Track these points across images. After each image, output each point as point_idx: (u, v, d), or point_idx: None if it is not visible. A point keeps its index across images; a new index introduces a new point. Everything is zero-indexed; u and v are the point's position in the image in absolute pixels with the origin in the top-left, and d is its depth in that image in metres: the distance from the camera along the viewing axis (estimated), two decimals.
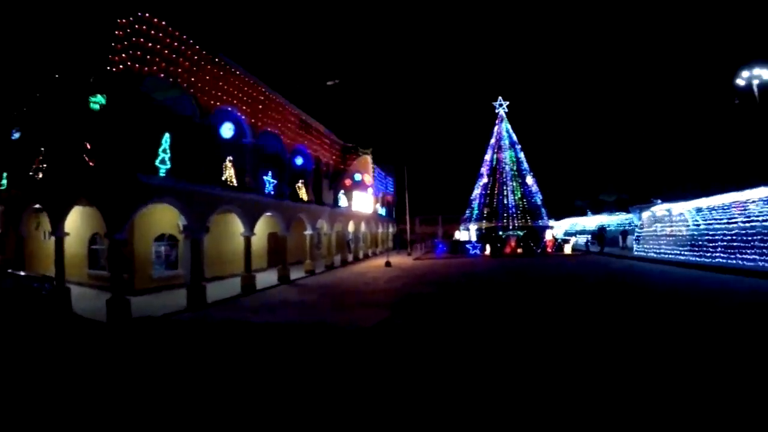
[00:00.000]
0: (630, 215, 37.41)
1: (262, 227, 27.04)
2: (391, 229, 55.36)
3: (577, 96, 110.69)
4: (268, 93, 21.96)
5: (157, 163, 15.01)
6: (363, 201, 39.19)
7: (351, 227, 38.24)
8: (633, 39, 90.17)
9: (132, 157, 13.81)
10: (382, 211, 50.37)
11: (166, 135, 15.29)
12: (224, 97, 18.30)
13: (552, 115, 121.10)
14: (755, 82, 24.08)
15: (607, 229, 42.51)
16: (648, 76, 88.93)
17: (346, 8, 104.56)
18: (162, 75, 15.13)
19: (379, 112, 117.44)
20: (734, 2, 64.24)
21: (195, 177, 16.28)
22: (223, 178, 18.38)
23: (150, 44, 14.73)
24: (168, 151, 15.28)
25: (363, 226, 42.50)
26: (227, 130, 18.72)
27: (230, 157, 18.89)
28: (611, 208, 47.15)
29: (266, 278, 22.74)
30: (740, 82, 24.73)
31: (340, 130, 35.07)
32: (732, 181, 29.00)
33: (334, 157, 32.95)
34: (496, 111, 43.87)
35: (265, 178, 22.05)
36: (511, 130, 42.89)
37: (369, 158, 39.15)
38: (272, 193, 22.43)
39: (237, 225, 21.81)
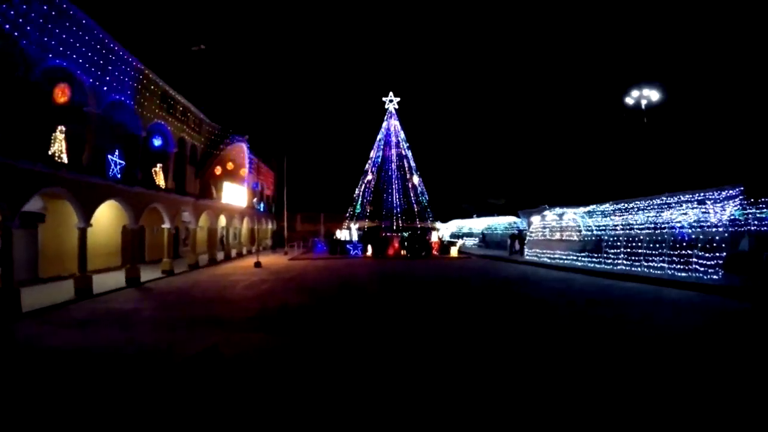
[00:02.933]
0: (517, 219, 38.99)
1: (115, 219, 23.69)
2: (270, 226, 52.79)
3: (469, 99, 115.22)
4: (121, 53, 18.89)
5: None
6: (237, 193, 36.47)
7: (222, 222, 35.44)
8: (530, 46, 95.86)
9: None
10: (260, 207, 47.76)
11: None
12: (59, 50, 15.14)
13: (442, 116, 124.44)
14: (644, 102, 26.02)
15: (494, 232, 44.15)
16: (542, 87, 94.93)
17: None
18: None
19: (260, 97, 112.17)
20: (630, 21, 70.84)
21: (8, 148, 13.06)
22: (50, 153, 15.20)
23: None
24: None
25: (237, 222, 39.74)
26: (61, 93, 15.56)
27: (62, 127, 15.72)
28: (500, 212, 49.10)
29: (114, 279, 19.73)
30: (629, 100, 26.61)
31: (212, 112, 32.22)
32: (618, 192, 31.26)
33: (202, 142, 30.00)
34: (386, 107, 43.54)
35: (110, 157, 18.97)
36: (399, 127, 42.85)
37: (244, 146, 36.51)
38: (118, 176, 19.36)
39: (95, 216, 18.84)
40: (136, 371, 7.62)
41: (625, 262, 21.42)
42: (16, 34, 13.30)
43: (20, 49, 13.41)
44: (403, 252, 34.68)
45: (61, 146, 15.56)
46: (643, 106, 26.08)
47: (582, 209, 25.68)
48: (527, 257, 29.96)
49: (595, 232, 24.54)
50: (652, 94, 25.92)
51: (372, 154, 42.44)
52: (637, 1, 67.04)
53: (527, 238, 31.15)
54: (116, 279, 19.75)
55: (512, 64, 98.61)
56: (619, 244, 22.20)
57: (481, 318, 11.84)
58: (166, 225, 24.38)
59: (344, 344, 9.16)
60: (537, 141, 77.93)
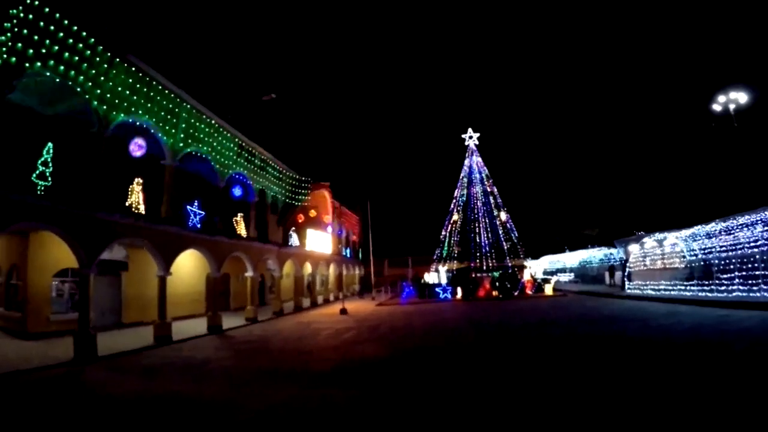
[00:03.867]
0: (613, 250, 35.99)
1: (201, 267, 24.67)
2: (357, 271, 53.04)
3: (551, 129, 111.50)
4: (196, 109, 20.02)
5: (33, 178, 12.77)
6: (320, 240, 37.00)
7: (308, 269, 35.93)
8: (608, 69, 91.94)
9: None
10: (346, 253, 48.22)
11: (49, 145, 13.11)
12: (133, 108, 16.23)
13: (525, 148, 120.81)
14: (732, 106, 23.47)
15: (589, 266, 40.93)
16: (624, 107, 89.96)
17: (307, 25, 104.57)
18: (49, 71, 13.04)
19: (341, 144, 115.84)
20: (706, 29, 65.88)
21: (86, 199, 13.92)
22: (128, 204, 16.06)
23: (37, 34, 12.70)
24: (50, 164, 13.07)
25: (323, 268, 40.17)
26: (137, 147, 16.56)
27: (139, 180, 16.65)
28: (593, 243, 45.72)
29: (197, 326, 20.23)
30: (716, 107, 24.14)
31: (293, 161, 33.30)
32: (721, 208, 27.79)
33: (283, 190, 30.83)
34: (466, 144, 42.72)
35: (189, 208, 19.82)
36: (482, 164, 41.68)
37: (326, 192, 37.26)
38: (198, 226, 20.12)
39: (177, 263, 19.69)
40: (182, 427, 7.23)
41: (740, 287, 18.45)
42: (87, 94, 14.36)
43: (93, 108, 14.42)
44: (494, 293, 32.84)
45: (138, 198, 16.44)
46: (731, 111, 23.34)
47: (684, 232, 22.83)
48: (628, 290, 27.02)
49: (700, 257, 21.60)
50: (740, 97, 23.15)
51: (456, 193, 41.47)
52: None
53: (627, 269, 28.28)
54: (199, 326, 20.19)
55: (593, 90, 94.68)
56: (732, 267, 19.24)
57: (593, 375, 9.02)
58: (249, 273, 24.90)
59: (425, 408, 7.60)
60: (627, 164, 72.74)
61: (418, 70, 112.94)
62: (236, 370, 12.08)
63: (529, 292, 33.03)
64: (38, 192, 12.74)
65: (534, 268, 39.45)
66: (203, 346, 16.28)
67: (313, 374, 10.81)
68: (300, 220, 33.39)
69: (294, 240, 32.14)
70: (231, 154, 23.11)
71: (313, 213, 35.47)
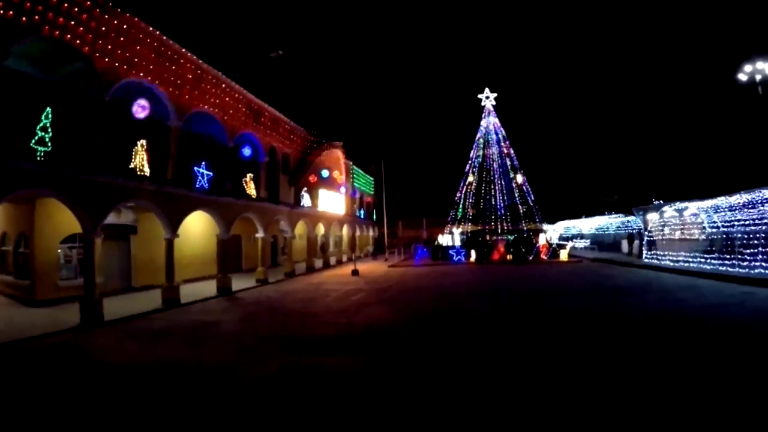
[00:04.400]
0: (631, 217, 35.18)
1: (213, 229, 24.61)
2: (371, 233, 52.97)
3: (571, 90, 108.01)
4: (201, 66, 19.48)
5: (33, 144, 12.53)
6: (333, 201, 36.75)
7: (321, 230, 35.83)
8: (632, 32, 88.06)
9: None
10: (360, 213, 48.01)
11: (47, 110, 12.79)
12: (137, 68, 15.81)
13: (545, 109, 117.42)
14: (758, 77, 22.39)
15: (605, 233, 40.19)
16: (647, 71, 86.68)
17: None
18: (45, 29, 12.60)
19: (354, 102, 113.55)
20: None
21: (87, 163, 13.68)
22: (131, 166, 15.81)
23: None
24: (49, 129, 12.79)
25: (336, 229, 40.06)
26: (140, 109, 16.18)
27: (143, 142, 16.33)
28: (611, 210, 44.76)
29: (208, 288, 20.37)
30: (742, 77, 23.02)
31: (305, 120, 32.67)
32: (746, 179, 26.76)
33: (295, 150, 30.40)
34: (483, 104, 41.47)
35: (196, 168, 19.55)
36: (498, 125, 40.53)
37: (340, 152, 36.68)
38: (206, 187, 19.89)
39: (187, 225, 20.09)
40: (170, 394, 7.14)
41: (764, 264, 17.72)
42: (88, 53, 13.91)
43: (93, 69, 14.00)
44: (508, 257, 32.44)
45: (143, 160, 16.17)
46: (757, 80, 22.26)
47: (707, 202, 21.96)
48: (645, 260, 26.41)
49: (722, 229, 20.79)
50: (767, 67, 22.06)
51: (472, 154, 40.54)
52: None
53: (645, 238, 27.53)
54: (210, 288, 20.27)
55: (616, 51, 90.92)
56: (756, 242, 18.44)
57: (611, 351, 8.74)
58: (260, 234, 24.80)
59: (430, 378, 7.45)
60: (649, 130, 70.50)
61: (434, 24, 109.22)
62: (238, 334, 12.12)
63: (543, 257, 32.59)
64: (38, 158, 12.47)
65: (550, 232, 38.90)
66: (211, 309, 16.34)
67: (315, 340, 10.74)
68: (312, 181, 32.99)
69: (306, 200, 31.86)
70: (239, 113, 22.63)
71: (325, 173, 35.00)
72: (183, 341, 11.36)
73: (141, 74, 16.00)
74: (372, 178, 52.53)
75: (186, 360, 9.37)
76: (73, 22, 13.42)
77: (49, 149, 12.80)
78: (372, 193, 53.70)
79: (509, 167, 38.70)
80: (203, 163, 19.98)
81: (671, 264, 23.33)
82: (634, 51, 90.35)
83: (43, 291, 16.32)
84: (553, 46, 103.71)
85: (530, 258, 32.11)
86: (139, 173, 15.99)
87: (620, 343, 9.18)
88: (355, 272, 27.14)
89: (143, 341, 11.48)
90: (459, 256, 34.12)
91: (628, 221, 35.51)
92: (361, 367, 8.28)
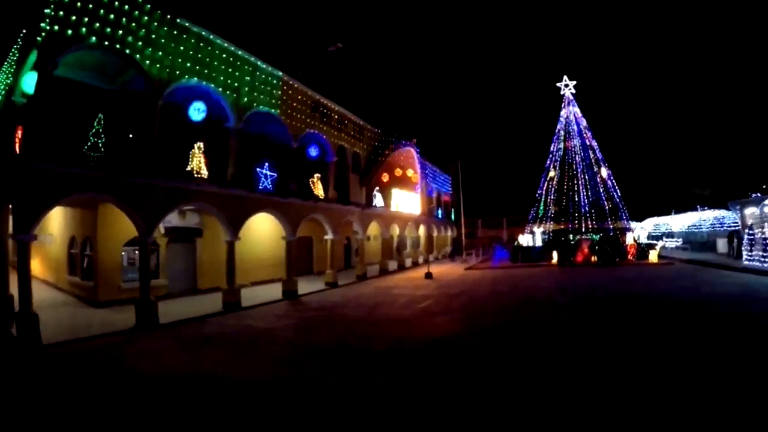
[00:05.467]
0: (726, 213, 31.28)
1: (281, 231, 24.63)
2: (449, 233, 51.44)
3: (656, 73, 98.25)
4: (258, 66, 19.28)
5: (86, 149, 12.74)
6: (407, 200, 35.81)
7: (396, 231, 35.05)
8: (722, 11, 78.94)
9: (35, 142, 11.45)
10: (437, 213, 46.80)
11: (99, 116, 12.94)
12: (189, 71, 15.80)
13: (628, 95, 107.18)
14: None
15: (698, 230, 36.20)
16: (738, 48, 77.19)
17: None
18: (95, 39, 12.80)
19: (429, 99, 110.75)
20: None
21: (141, 167, 13.75)
22: (188, 169, 15.81)
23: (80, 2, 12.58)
24: (102, 135, 12.95)
25: (412, 230, 39.19)
26: (197, 112, 16.17)
27: (200, 144, 16.31)
28: (704, 204, 40.17)
29: (274, 291, 20.19)
30: None
31: (376, 118, 32.02)
32: None
33: (365, 149, 29.81)
34: (562, 92, 38.67)
35: (259, 170, 19.44)
36: (579, 114, 37.54)
37: (413, 150, 35.63)
38: (270, 188, 19.71)
39: (256, 227, 20.92)
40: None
41: None
42: (139, 60, 13.98)
43: (147, 73, 14.06)
44: (593, 258, 29.88)
45: (200, 162, 16.16)
46: None
47: None
48: (746, 262, 22.95)
49: None
50: None
51: (552, 147, 37.85)
52: None
53: (744, 236, 23.92)
54: (276, 291, 20.04)
55: (701, 30, 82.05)
56: None
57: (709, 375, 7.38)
58: (329, 236, 24.42)
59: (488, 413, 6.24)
60: (746, 114, 62.60)
61: (509, 12, 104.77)
62: (288, 345, 11.44)
63: (631, 258, 29.71)
64: (90, 162, 12.62)
65: (637, 231, 35.58)
66: (270, 314, 15.99)
67: (367, 354, 9.81)
68: (384, 180, 32.33)
69: (378, 200, 31.22)
70: (303, 112, 22.32)
71: (398, 172, 34.23)
72: (228, 349, 10.99)
73: (195, 77, 15.98)
74: (450, 177, 51.05)
75: (222, 371, 8.88)
76: (121, 31, 13.60)
77: (102, 154, 12.92)
78: (450, 192, 52.25)
79: (592, 160, 35.70)
80: (266, 164, 19.84)
81: None
82: (722, 28, 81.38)
83: (105, 292, 16.78)
84: (631, 28, 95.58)
85: (617, 260, 29.40)
86: (196, 175, 15.96)
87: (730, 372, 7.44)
88: (428, 275, 26.03)
89: (188, 347, 11.28)
90: (539, 258, 32.04)
91: (722, 217, 31.72)
92: (401, 391, 7.23)
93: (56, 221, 21.28)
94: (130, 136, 14.31)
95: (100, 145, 12.83)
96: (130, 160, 13.70)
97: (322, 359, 9.54)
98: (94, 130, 12.80)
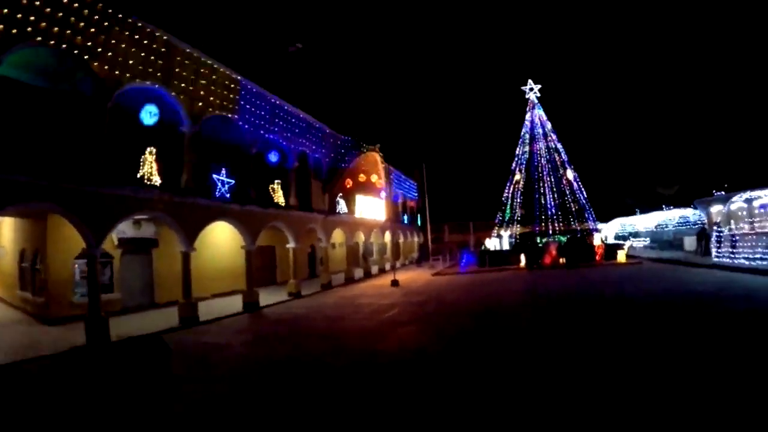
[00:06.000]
0: (692, 211, 32.15)
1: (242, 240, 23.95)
2: (416, 239, 51.38)
3: (617, 72, 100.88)
4: (216, 69, 18.63)
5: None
6: (372, 206, 35.52)
7: (361, 238, 34.60)
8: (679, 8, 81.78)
9: None
10: (403, 219, 46.63)
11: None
12: (142, 73, 15.06)
13: (590, 96, 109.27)
14: None
15: (665, 230, 37.16)
16: (702, 44, 79.70)
17: None
18: (41, 38, 12.04)
19: (393, 107, 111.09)
20: None
21: (86, 174, 12.96)
22: (139, 176, 15.05)
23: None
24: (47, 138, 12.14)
25: (378, 236, 38.83)
26: (149, 115, 15.45)
27: (152, 149, 15.57)
28: (669, 204, 41.20)
29: (234, 303, 19.53)
30: None
31: (339, 124, 31.63)
32: None
33: (327, 155, 29.32)
34: (527, 96, 39.07)
35: (216, 176, 18.75)
36: (544, 118, 37.95)
37: (377, 155, 35.36)
38: (227, 196, 19.04)
39: (216, 236, 20.82)
40: None
41: None
42: (86, 60, 13.23)
43: (93, 75, 13.31)
44: (561, 260, 30.13)
45: (152, 168, 15.44)
46: None
47: None
48: (715, 259, 23.54)
49: None
50: None
51: (518, 151, 38.11)
52: None
53: (713, 234, 24.54)
54: (238, 303, 19.33)
55: (659, 26, 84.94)
56: None
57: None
58: (291, 244, 23.87)
59: None
60: (710, 110, 64.69)
61: (475, 14, 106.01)
62: (243, 363, 10.75)
63: (599, 259, 30.09)
64: (31, 168, 11.80)
65: (604, 232, 36.24)
66: (228, 328, 15.35)
67: (325, 371, 9.14)
68: (348, 186, 31.89)
69: (342, 207, 30.76)
70: (262, 116, 21.69)
71: (362, 177, 33.85)
72: (180, 368, 10.30)
73: (147, 79, 15.26)
74: (415, 183, 50.97)
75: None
76: (69, 30, 12.80)
77: (46, 159, 12.11)
78: (416, 197, 52.16)
79: (558, 163, 36.16)
80: (223, 170, 19.18)
81: (747, 263, 20.53)
82: (680, 25, 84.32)
83: (57, 309, 15.93)
84: (592, 29, 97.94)
85: (585, 261, 29.69)
86: (147, 182, 15.20)
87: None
88: (394, 283, 25.63)
89: None
90: (507, 261, 32.12)
91: (688, 216, 32.61)
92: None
93: (7, 233, 20.24)
94: (78, 140, 13.45)
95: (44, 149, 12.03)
96: (77, 166, 12.89)
97: (274, 379, 8.93)
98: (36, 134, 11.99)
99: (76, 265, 16.64)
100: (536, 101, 38.64)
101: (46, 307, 16.00)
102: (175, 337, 13.93)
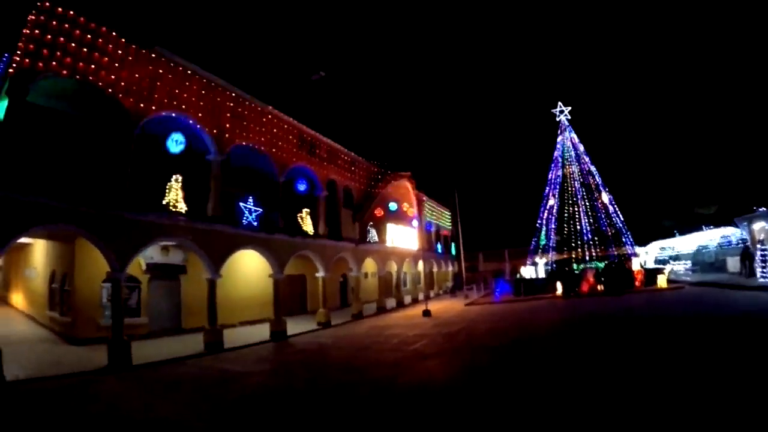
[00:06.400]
0: (733, 230, 30.54)
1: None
2: (450, 268, 50.64)
3: (651, 95, 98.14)
4: (242, 96, 19.12)
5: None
6: (404, 235, 35.21)
7: (393, 267, 34.27)
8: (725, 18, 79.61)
9: None
10: (437, 248, 46.11)
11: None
12: (167, 102, 15.57)
13: (623, 117, 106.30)
14: None
15: (707, 250, 35.38)
16: (737, 62, 76.96)
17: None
18: (65, 72, 12.63)
19: (425, 135, 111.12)
20: None
21: (112, 199, 13.30)
22: (165, 202, 15.33)
23: (51, 34, 12.60)
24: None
25: (411, 266, 38.47)
26: (175, 143, 15.82)
27: (177, 177, 15.88)
28: (709, 223, 39.27)
29: (262, 332, 19.42)
30: None
31: (372, 155, 31.82)
32: None
33: (357, 183, 29.39)
34: (557, 119, 38.54)
35: (243, 205, 18.95)
36: (576, 140, 37.16)
37: (408, 183, 35.26)
38: (254, 224, 19.19)
39: (245, 264, 21.28)
40: None
41: None
42: (113, 91, 13.77)
43: (119, 105, 13.80)
44: (599, 287, 28.95)
45: (177, 195, 15.68)
46: None
47: None
48: (761, 280, 21.71)
49: None
50: None
51: (550, 175, 37.41)
52: None
53: (759, 252, 22.91)
54: (265, 332, 19.23)
55: (700, 36, 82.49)
56: None
57: None
58: (320, 273, 23.82)
59: None
60: (751, 124, 61.99)
61: (500, 39, 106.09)
62: (254, 394, 10.31)
63: (639, 284, 28.76)
64: (59, 192, 12.20)
65: (643, 256, 34.71)
66: (252, 356, 15.18)
67: (343, 405, 8.61)
68: (379, 215, 31.75)
69: (374, 236, 30.62)
70: (290, 145, 22.00)
71: (394, 206, 33.70)
72: (189, 395, 10.19)
73: (173, 108, 15.72)
74: (449, 212, 50.52)
75: (173, 418, 8.15)
76: (93, 66, 13.43)
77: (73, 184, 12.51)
78: (450, 226, 51.64)
79: (592, 186, 35.11)
80: (250, 198, 19.37)
81: None
82: (713, 42, 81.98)
83: (83, 329, 16.25)
84: (621, 48, 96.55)
85: (624, 287, 28.42)
86: (173, 209, 15.45)
87: None
88: (426, 313, 25.03)
89: (149, 391, 10.60)
90: (544, 290, 31.10)
91: (729, 235, 31.01)
92: None
93: (39, 255, 20.95)
94: (105, 166, 13.91)
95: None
96: (102, 191, 13.27)
97: (285, 411, 8.58)
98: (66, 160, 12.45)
99: (104, 289, 16.95)
100: (567, 123, 37.97)
101: (72, 328, 16.36)
102: (198, 363, 14.00)
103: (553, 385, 8.67)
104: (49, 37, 12.50)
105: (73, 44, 12.97)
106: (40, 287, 20.34)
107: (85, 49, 13.23)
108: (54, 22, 12.70)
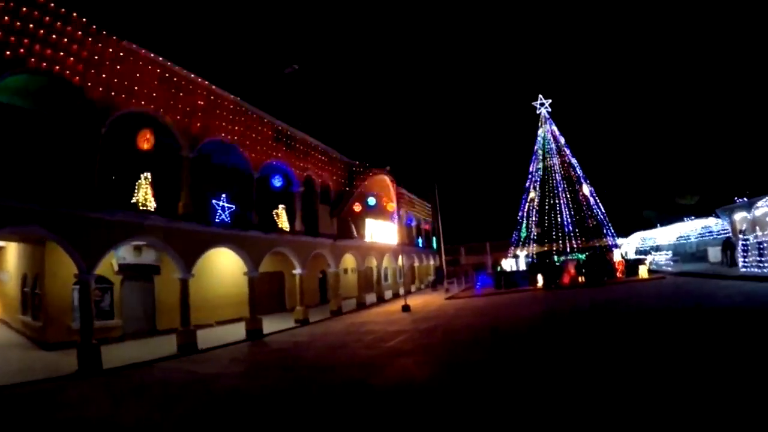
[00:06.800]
0: (714, 221, 31.08)
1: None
2: (431, 262, 50.83)
3: (631, 87, 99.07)
4: (214, 92, 18.79)
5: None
6: (383, 230, 35.11)
7: (373, 262, 34.18)
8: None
9: None
10: (417, 242, 46.16)
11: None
12: (137, 97, 15.19)
13: (602, 108, 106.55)
14: None
15: (688, 241, 36.07)
16: (718, 52, 78.03)
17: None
18: (30, 61, 12.21)
19: (404, 129, 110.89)
20: None
21: (78, 198, 12.94)
22: (133, 201, 15.01)
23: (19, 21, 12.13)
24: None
25: (392, 261, 38.44)
26: (144, 140, 15.47)
27: (146, 174, 15.55)
28: (690, 214, 40.00)
29: (238, 331, 19.18)
30: None
31: (348, 147, 31.62)
32: None
33: (335, 178, 29.17)
34: (538, 111, 38.79)
35: (215, 202, 18.65)
36: (557, 132, 37.57)
37: (387, 177, 35.14)
38: (227, 221, 18.90)
39: (221, 262, 21.16)
40: None
41: None
42: (79, 84, 13.36)
43: (86, 100, 13.42)
44: (580, 279, 29.22)
45: (147, 194, 15.36)
46: None
47: None
48: (742, 270, 22.30)
49: None
50: None
51: (531, 167, 37.61)
52: None
53: (739, 243, 23.31)
54: (241, 331, 19.02)
55: (682, 30, 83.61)
56: None
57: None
58: (297, 270, 23.65)
59: None
60: (732, 113, 62.99)
61: (479, 31, 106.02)
62: (225, 397, 10.01)
63: (620, 275, 29.12)
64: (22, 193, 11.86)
65: (624, 247, 35.22)
66: (225, 357, 14.97)
67: (312, 406, 8.45)
68: (357, 210, 31.60)
69: (353, 231, 30.49)
70: (265, 140, 21.69)
71: (372, 201, 33.54)
72: (154, 400, 10.01)
73: (142, 103, 15.36)
74: (429, 205, 50.62)
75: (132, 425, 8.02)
76: (61, 53, 12.98)
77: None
78: (431, 220, 51.74)
79: (573, 178, 35.39)
80: (224, 195, 19.07)
81: None
82: (694, 31, 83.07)
83: (54, 333, 15.93)
84: (602, 40, 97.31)
85: (605, 278, 28.70)
86: (142, 208, 15.13)
87: None
88: (405, 308, 24.97)
89: (115, 396, 10.37)
90: (525, 282, 31.27)
91: (711, 226, 31.56)
92: None
93: (11, 258, 20.51)
94: (71, 164, 13.55)
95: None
96: (68, 190, 12.92)
97: (254, 415, 8.34)
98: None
99: (75, 291, 16.57)
100: (548, 116, 38.24)
101: (44, 332, 16.05)
102: (170, 365, 13.75)
103: (531, 384, 8.41)
104: (19, 24, 12.04)
105: (41, 30, 12.51)
106: (12, 291, 19.99)
107: (54, 36, 12.79)
108: (24, 9, 12.23)
